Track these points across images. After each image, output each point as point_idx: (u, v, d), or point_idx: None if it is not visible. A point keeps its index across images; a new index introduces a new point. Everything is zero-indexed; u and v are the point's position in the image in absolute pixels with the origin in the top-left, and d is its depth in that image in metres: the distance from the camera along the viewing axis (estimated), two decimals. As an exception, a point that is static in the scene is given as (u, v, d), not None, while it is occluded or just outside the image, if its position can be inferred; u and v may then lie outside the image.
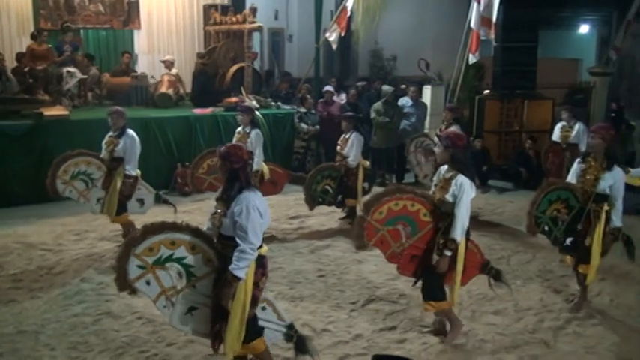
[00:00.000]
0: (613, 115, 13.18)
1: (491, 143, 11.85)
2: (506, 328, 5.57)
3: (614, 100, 14.36)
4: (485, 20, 10.47)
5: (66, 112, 9.72)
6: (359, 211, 8.42)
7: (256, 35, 13.05)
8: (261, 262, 4.28)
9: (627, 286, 6.58)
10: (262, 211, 4.17)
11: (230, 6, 12.83)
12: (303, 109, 11.22)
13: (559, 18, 18.65)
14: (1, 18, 11.83)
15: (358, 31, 15.13)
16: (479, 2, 10.39)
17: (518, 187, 10.80)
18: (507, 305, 5.99)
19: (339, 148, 8.37)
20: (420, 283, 5.28)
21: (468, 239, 5.11)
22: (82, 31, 12.63)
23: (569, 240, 5.81)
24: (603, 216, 5.60)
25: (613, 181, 5.55)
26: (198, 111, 10.80)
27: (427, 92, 12.23)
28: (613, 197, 5.57)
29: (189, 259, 4.23)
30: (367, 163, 8.50)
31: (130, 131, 7.01)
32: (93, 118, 9.74)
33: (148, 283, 4.19)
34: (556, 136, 9.56)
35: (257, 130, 7.88)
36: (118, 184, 6.93)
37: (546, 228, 5.78)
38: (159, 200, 7.43)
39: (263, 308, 4.48)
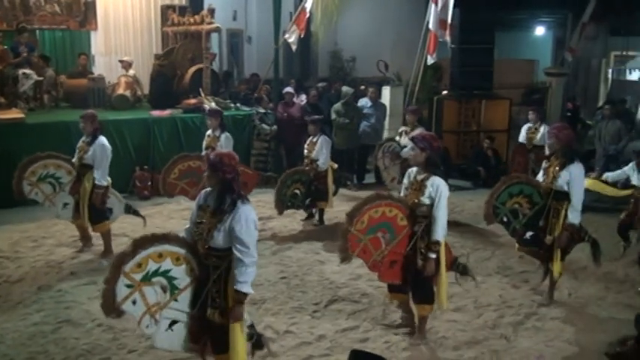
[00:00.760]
0: (569, 114, 13.46)
1: (450, 143, 11.99)
2: (467, 324, 5.65)
3: (570, 99, 14.68)
4: (442, 22, 10.60)
5: (21, 115, 9.53)
6: (327, 211, 8.56)
7: (215, 36, 12.94)
8: None
9: (585, 280, 6.75)
10: (257, 223, 4.12)
11: (188, 7, 12.70)
12: (262, 110, 11.20)
13: (515, 20, 19.02)
14: (-46, 18, 11.54)
15: (317, 33, 15.16)
16: (436, 4, 10.51)
17: (477, 186, 10.96)
18: (467, 302, 6.08)
19: (306, 151, 8.37)
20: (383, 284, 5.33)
21: None
22: (37, 31, 12.38)
23: (529, 234, 5.96)
24: (563, 214, 5.75)
25: (569, 177, 5.68)
26: (156, 113, 10.66)
27: (386, 93, 12.30)
28: (571, 194, 5.70)
29: (174, 271, 4.10)
30: (335, 165, 8.52)
31: (102, 138, 6.86)
32: (49, 122, 9.60)
33: (134, 302, 3.97)
34: (522, 137, 9.66)
35: (227, 134, 7.86)
36: (87, 190, 6.81)
37: (505, 219, 5.94)
38: (129, 210, 7.31)
39: None
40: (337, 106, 10.77)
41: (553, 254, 5.87)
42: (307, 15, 11.68)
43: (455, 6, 10.78)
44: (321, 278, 6.69)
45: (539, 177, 6.05)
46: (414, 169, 5.16)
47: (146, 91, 12.15)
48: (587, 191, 6.20)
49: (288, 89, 11.50)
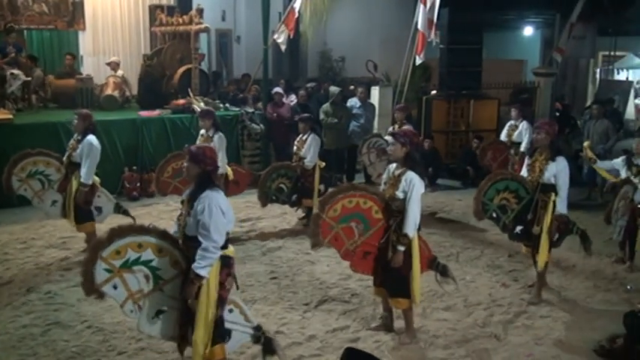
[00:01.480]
0: (558, 114, 13.54)
1: (439, 143, 12.01)
2: (457, 323, 5.68)
3: (558, 99, 14.75)
4: (430, 22, 10.63)
5: (9, 116, 9.46)
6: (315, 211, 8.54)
7: (203, 36, 12.92)
8: (227, 262, 4.29)
9: (574, 278, 6.81)
10: (225, 210, 4.19)
11: (176, 7, 12.66)
12: (249, 109, 11.18)
13: (504, 20, 19.10)
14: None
15: (306, 33, 15.15)
16: (424, 4, 10.54)
17: (466, 186, 11.01)
18: (457, 301, 6.11)
19: (295, 148, 8.38)
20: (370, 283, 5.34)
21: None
22: (25, 31, 12.30)
23: (519, 228, 6.07)
24: (551, 205, 5.87)
25: (557, 170, 5.82)
26: (144, 114, 10.63)
27: (375, 93, 12.30)
28: (558, 186, 5.84)
29: (156, 262, 4.21)
30: (323, 164, 8.53)
31: (90, 137, 6.77)
32: (37, 122, 9.54)
33: (115, 287, 4.13)
34: (504, 134, 9.79)
35: (220, 134, 7.84)
36: (74, 189, 6.78)
37: (494, 215, 6.08)
38: (118, 210, 7.25)
39: (230, 310, 4.49)
40: (325, 106, 10.77)
41: (539, 245, 5.96)
42: (296, 15, 11.66)
43: (443, 6, 10.81)
44: (311, 278, 6.70)
45: (523, 172, 6.16)
46: (394, 164, 5.22)
47: (135, 91, 12.10)
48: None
49: (278, 89, 11.49)
